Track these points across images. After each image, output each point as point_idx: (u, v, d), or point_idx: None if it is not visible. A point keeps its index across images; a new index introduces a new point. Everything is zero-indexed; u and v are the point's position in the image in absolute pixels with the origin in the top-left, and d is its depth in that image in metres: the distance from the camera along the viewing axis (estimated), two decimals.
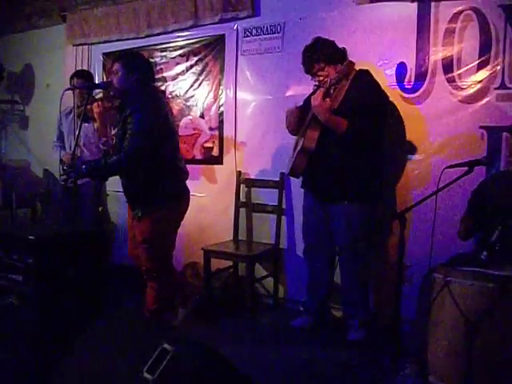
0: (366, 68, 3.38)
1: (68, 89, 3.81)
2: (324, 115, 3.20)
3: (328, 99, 3.22)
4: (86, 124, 4.18)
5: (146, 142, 3.01)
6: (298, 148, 3.41)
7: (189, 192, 3.34)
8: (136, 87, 3.14)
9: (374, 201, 3.39)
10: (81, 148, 4.24)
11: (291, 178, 3.78)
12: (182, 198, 3.29)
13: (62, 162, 4.28)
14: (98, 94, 4.21)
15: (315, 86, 3.40)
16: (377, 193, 3.40)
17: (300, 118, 3.47)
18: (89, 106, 4.12)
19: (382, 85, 3.35)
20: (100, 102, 4.02)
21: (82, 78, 4.31)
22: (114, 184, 4.82)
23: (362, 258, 3.38)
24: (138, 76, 3.14)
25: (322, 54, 3.29)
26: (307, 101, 3.50)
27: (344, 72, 3.26)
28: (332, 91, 3.28)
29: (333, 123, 3.21)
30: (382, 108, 3.34)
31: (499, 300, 2.17)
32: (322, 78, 3.32)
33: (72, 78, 4.35)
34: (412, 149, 3.51)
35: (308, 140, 3.33)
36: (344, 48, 3.35)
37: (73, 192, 3.86)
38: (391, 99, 3.45)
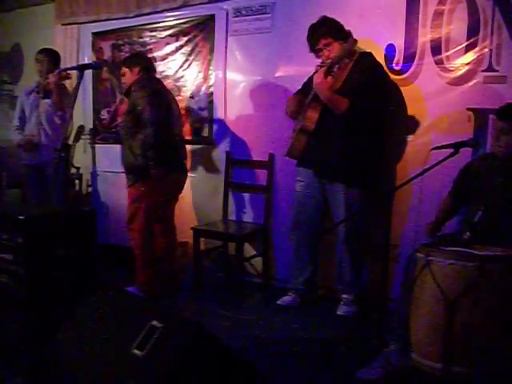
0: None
1: (60, 70, 3.77)
2: (325, 93, 3.20)
3: (330, 77, 3.22)
4: (47, 100, 4.19)
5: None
6: (298, 128, 3.41)
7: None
8: (140, 76, 3.67)
9: (371, 186, 3.40)
10: (43, 125, 4.23)
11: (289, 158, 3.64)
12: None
13: (21, 146, 4.29)
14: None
15: (318, 66, 3.38)
16: (375, 178, 3.43)
17: (300, 101, 3.47)
18: (46, 81, 4.14)
19: None
20: (56, 72, 4.01)
21: (47, 54, 4.31)
22: (103, 165, 4.85)
23: (361, 235, 3.42)
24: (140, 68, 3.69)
25: (330, 29, 3.30)
26: (307, 84, 3.50)
27: (347, 50, 3.25)
28: (335, 70, 3.27)
29: (334, 102, 3.21)
30: (384, 91, 3.35)
31: (478, 279, 2.21)
32: (327, 54, 3.31)
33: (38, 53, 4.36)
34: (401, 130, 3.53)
35: (307, 120, 3.33)
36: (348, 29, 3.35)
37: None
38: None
